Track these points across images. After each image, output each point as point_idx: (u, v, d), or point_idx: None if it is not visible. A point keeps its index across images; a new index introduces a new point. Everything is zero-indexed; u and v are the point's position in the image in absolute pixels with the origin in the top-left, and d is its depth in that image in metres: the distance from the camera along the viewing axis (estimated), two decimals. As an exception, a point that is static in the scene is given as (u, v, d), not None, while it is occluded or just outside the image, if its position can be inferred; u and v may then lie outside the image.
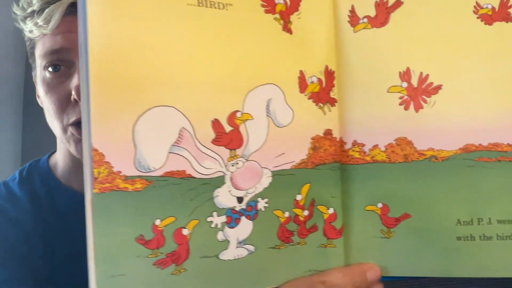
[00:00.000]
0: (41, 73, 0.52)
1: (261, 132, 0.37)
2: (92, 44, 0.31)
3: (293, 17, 0.39)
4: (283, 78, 0.38)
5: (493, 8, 0.39)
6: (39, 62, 0.52)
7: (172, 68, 0.34)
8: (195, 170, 0.34)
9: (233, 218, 0.36)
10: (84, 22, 0.31)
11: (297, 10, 0.39)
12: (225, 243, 0.36)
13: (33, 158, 0.61)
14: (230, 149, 0.35)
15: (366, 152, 0.40)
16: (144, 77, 0.33)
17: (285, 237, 0.38)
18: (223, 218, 0.36)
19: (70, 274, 0.52)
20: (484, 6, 0.40)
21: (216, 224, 0.35)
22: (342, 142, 0.40)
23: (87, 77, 0.31)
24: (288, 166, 0.38)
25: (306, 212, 0.39)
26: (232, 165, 0.36)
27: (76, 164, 0.55)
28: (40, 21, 0.49)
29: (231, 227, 0.36)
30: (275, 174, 0.37)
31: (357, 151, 0.40)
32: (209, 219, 0.35)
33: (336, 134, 0.40)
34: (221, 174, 0.35)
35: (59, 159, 0.58)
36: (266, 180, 0.37)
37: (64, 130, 0.52)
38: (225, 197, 0.35)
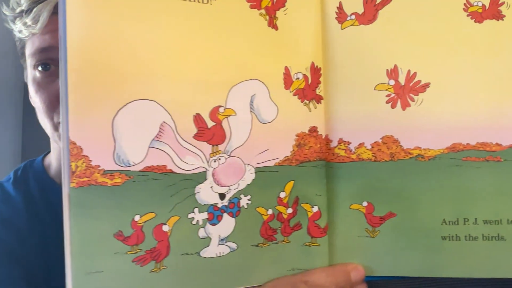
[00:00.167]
0: (31, 73, 0.52)
1: (244, 128, 0.36)
2: (71, 36, 0.31)
3: (279, 13, 0.38)
4: (267, 74, 0.37)
5: (483, 6, 0.39)
6: (29, 61, 0.52)
7: (153, 61, 0.33)
8: (176, 165, 0.34)
9: (215, 215, 0.35)
10: (64, 14, 0.31)
11: (283, 6, 0.39)
12: (207, 240, 0.35)
13: (33, 158, 0.61)
14: (212, 145, 0.35)
15: (352, 150, 0.39)
16: (124, 70, 0.32)
17: (268, 235, 0.38)
18: (205, 215, 0.35)
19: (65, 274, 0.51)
20: (475, 4, 0.39)
21: (198, 221, 0.35)
22: (328, 140, 0.40)
23: (65, 70, 0.31)
24: (271, 163, 0.37)
25: (290, 210, 0.38)
26: (214, 161, 0.35)
27: None
28: (28, 20, 0.49)
29: (213, 224, 0.35)
30: (258, 171, 0.37)
31: (343, 149, 0.40)
32: (190, 215, 0.35)
33: (321, 131, 0.40)
34: (203, 170, 0.35)
35: (53, 158, 0.58)
36: (249, 177, 0.36)
37: (55, 128, 0.52)
38: (206, 194, 0.35)
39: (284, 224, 0.38)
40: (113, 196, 0.32)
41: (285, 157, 0.38)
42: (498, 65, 0.39)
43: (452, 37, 0.39)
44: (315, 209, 0.39)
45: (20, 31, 0.51)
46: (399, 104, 0.39)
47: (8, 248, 0.52)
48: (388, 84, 0.39)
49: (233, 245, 0.36)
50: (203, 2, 0.35)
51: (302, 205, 0.39)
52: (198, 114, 0.34)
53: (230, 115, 0.36)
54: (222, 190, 0.36)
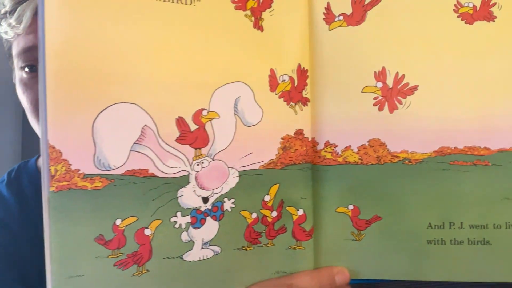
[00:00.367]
0: (18, 74, 0.52)
1: (228, 131, 0.36)
2: (49, 38, 0.30)
3: (265, 14, 0.38)
4: (252, 76, 0.37)
5: (474, 6, 0.38)
6: (15, 62, 0.52)
7: (134, 63, 0.33)
8: (158, 169, 0.33)
9: (198, 219, 0.35)
10: (42, 16, 0.30)
11: (269, 7, 0.38)
12: (190, 243, 0.35)
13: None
14: (195, 148, 0.35)
15: (338, 153, 0.39)
16: (105, 73, 0.32)
17: (253, 238, 0.37)
18: (188, 219, 0.35)
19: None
20: (465, 5, 0.39)
21: (180, 225, 0.35)
22: (314, 143, 0.39)
23: (44, 71, 0.30)
24: (256, 166, 0.37)
25: (274, 213, 0.38)
26: (197, 165, 0.35)
27: None
28: (12, 21, 0.49)
29: (196, 228, 0.35)
30: (242, 174, 0.36)
31: (330, 152, 0.39)
32: (172, 219, 0.34)
33: (308, 134, 0.39)
34: (186, 173, 0.34)
35: None
36: (232, 180, 0.36)
37: None
38: (189, 197, 0.35)
39: (269, 228, 0.38)
40: (94, 200, 0.32)
41: (270, 160, 0.38)
42: (488, 68, 0.38)
43: (441, 39, 0.39)
44: (300, 212, 0.39)
45: (5, 32, 0.51)
46: (386, 107, 0.39)
47: (1, 249, 0.52)
48: (376, 86, 0.39)
49: (217, 249, 0.36)
50: (186, 4, 0.35)
51: (287, 208, 0.39)
52: (180, 117, 0.34)
53: (213, 118, 0.35)
54: (206, 193, 0.35)
